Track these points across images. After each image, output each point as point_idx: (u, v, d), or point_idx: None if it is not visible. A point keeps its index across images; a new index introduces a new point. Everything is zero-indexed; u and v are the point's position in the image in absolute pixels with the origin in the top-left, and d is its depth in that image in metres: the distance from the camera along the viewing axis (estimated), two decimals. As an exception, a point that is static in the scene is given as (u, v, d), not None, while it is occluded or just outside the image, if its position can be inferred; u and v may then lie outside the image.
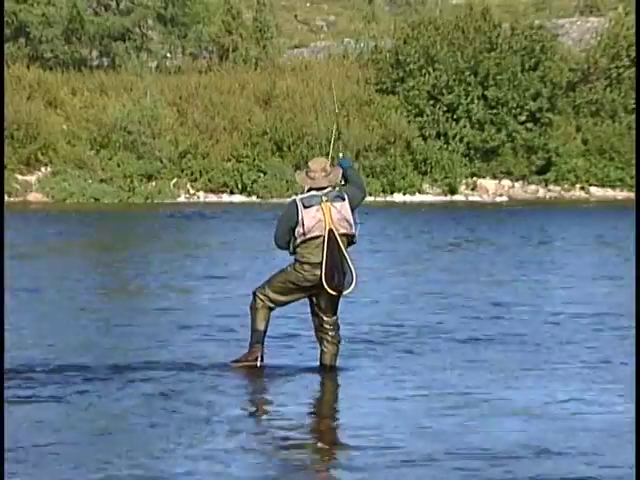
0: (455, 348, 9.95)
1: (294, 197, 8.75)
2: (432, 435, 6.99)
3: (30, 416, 7.33)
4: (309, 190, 8.65)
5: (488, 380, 8.62)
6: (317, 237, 8.54)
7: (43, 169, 35.76)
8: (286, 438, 6.92)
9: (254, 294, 8.84)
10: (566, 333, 10.78)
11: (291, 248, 8.67)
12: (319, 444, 6.89)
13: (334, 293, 8.55)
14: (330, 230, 8.51)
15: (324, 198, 8.56)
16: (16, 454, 6.38)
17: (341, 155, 9.09)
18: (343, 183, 8.86)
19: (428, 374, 8.82)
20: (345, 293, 8.62)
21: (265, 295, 8.77)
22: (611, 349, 9.85)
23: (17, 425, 6.95)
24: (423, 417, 7.45)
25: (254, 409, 7.92)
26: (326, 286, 8.49)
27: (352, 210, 8.64)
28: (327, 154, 9.19)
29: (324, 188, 8.62)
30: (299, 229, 8.53)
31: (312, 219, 8.50)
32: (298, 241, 8.57)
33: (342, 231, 8.58)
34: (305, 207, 8.52)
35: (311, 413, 7.87)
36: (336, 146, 9.09)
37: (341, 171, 8.82)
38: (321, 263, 8.50)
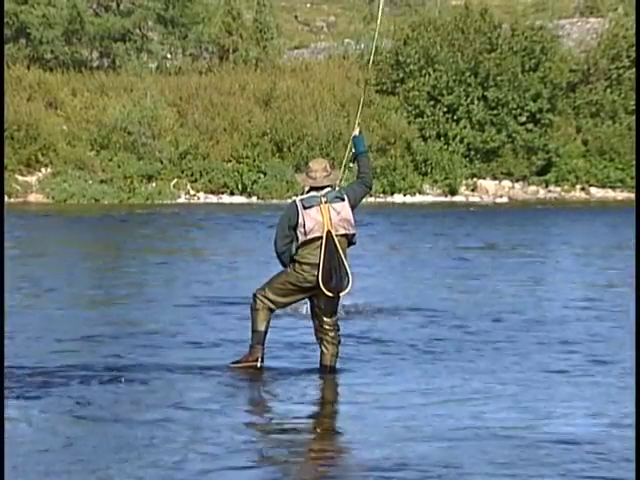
0: (458, 351, 9.97)
1: (294, 198, 8.74)
2: (434, 436, 6.99)
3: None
4: (309, 191, 8.65)
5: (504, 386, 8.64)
6: (317, 238, 8.54)
7: (43, 170, 35.78)
8: (286, 438, 6.92)
9: (254, 295, 8.83)
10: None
11: (293, 250, 8.62)
12: (319, 444, 6.90)
13: (330, 294, 8.55)
14: (328, 232, 8.50)
15: (323, 199, 8.55)
16: None
17: (357, 131, 9.00)
18: (352, 166, 8.86)
19: (427, 376, 8.83)
20: (341, 295, 8.62)
21: (265, 296, 8.76)
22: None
23: None
24: (423, 418, 7.46)
25: (254, 409, 7.92)
26: (323, 287, 8.49)
27: (353, 209, 8.64)
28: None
29: (324, 188, 8.62)
30: (300, 230, 8.52)
31: (312, 220, 8.49)
32: (299, 240, 8.55)
33: (341, 232, 8.57)
34: (305, 208, 8.51)
35: (311, 414, 7.87)
36: (350, 155, 9.03)
37: (352, 155, 8.82)
38: (319, 264, 8.50)
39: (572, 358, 9.54)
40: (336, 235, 8.53)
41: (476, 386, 8.42)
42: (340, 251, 8.52)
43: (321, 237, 8.50)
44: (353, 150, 8.90)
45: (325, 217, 8.50)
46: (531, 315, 12.00)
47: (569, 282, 15.23)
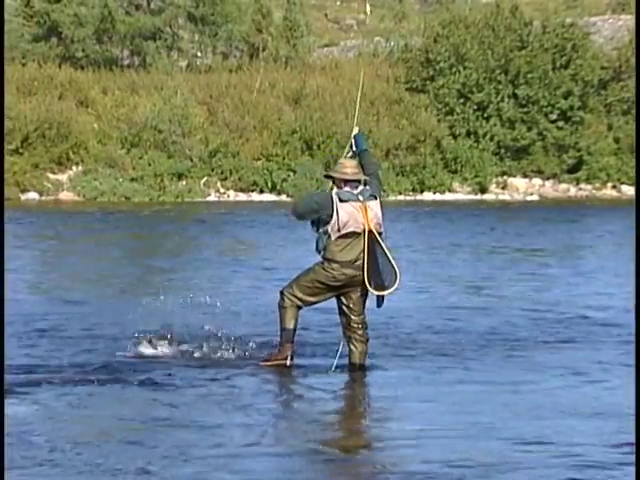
0: (485, 350, 9.95)
1: (331, 191, 8.71)
2: (466, 437, 6.98)
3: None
4: (342, 185, 8.63)
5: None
6: (351, 234, 8.53)
7: (74, 168, 35.97)
8: (315, 436, 6.92)
9: (282, 293, 8.82)
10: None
11: (321, 246, 8.65)
12: (348, 444, 6.89)
13: (379, 293, 8.54)
14: (370, 231, 8.52)
15: (360, 197, 8.56)
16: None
17: (356, 130, 9.05)
18: (351, 155, 8.92)
19: (455, 376, 8.82)
20: (387, 293, 8.58)
21: (293, 294, 8.76)
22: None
23: None
24: (450, 416, 7.45)
25: (283, 408, 7.92)
26: (370, 288, 8.49)
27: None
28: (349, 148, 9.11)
29: (356, 185, 8.60)
30: (333, 224, 8.50)
31: (347, 214, 8.50)
32: (333, 238, 8.53)
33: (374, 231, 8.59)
34: (341, 201, 8.53)
35: (340, 412, 7.86)
36: (349, 153, 9.07)
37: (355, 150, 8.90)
38: (362, 265, 8.48)
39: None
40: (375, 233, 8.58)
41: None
42: (384, 248, 8.53)
43: (354, 233, 8.52)
44: (354, 149, 8.96)
45: (366, 216, 8.51)
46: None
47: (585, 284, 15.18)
